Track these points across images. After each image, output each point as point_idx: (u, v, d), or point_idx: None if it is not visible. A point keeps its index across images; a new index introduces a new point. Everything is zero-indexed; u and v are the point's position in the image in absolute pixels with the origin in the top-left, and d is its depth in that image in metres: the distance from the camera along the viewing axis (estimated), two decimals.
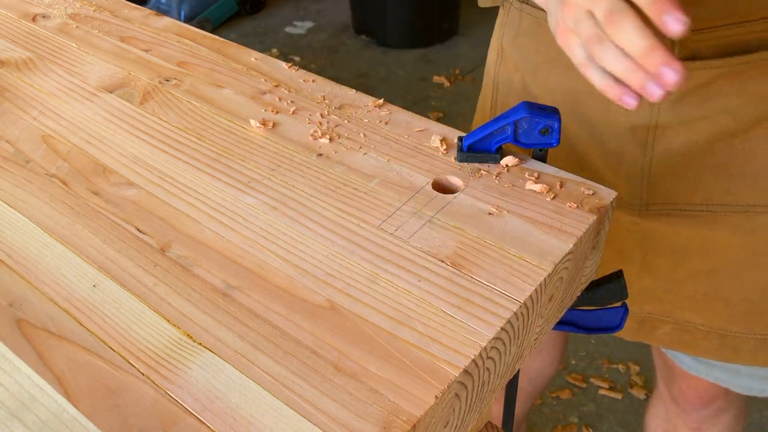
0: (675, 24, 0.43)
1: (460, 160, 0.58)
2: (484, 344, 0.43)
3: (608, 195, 0.54)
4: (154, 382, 0.42)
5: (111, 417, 0.40)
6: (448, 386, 0.41)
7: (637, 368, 1.67)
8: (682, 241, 0.75)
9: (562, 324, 0.62)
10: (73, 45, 0.75)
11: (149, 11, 0.83)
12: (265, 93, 0.67)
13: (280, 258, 0.49)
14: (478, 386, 0.45)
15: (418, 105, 2.58)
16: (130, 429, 0.39)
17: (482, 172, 0.57)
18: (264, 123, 0.62)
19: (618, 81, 0.48)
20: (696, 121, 0.67)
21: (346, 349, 0.43)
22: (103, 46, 0.75)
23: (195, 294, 0.47)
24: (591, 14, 0.47)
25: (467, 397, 0.44)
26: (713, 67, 0.64)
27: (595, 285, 0.60)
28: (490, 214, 0.53)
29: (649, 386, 1.62)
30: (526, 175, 0.56)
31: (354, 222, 0.52)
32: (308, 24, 3.17)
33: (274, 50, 2.95)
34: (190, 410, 0.40)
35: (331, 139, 0.61)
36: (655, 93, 0.46)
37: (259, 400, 0.40)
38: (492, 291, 0.46)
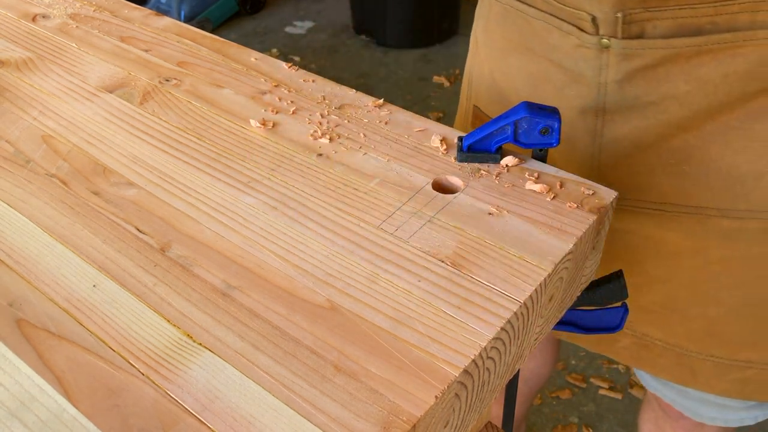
0: None
1: (460, 160, 0.58)
2: (484, 344, 0.43)
3: (608, 195, 0.54)
4: (154, 382, 0.42)
5: (111, 417, 0.40)
6: (448, 386, 0.41)
7: None
8: (636, 242, 0.72)
9: (562, 324, 0.62)
10: (73, 45, 0.75)
11: (149, 11, 0.83)
12: (265, 93, 0.67)
13: (280, 258, 0.49)
14: (478, 386, 0.45)
15: (418, 105, 2.58)
16: (130, 429, 0.39)
17: (482, 172, 0.57)
18: (264, 123, 0.62)
19: None
20: (644, 106, 0.65)
21: (346, 349, 0.43)
22: (103, 46, 0.75)
23: (195, 294, 0.47)
24: None
25: (467, 397, 0.44)
26: (659, 47, 0.61)
27: (594, 285, 0.60)
28: (490, 214, 0.53)
29: None
30: (526, 175, 0.56)
31: (354, 222, 0.52)
32: (308, 24, 3.17)
33: (274, 50, 2.96)
34: (190, 410, 0.40)
35: (331, 139, 0.61)
36: None
37: (259, 400, 0.40)
38: (492, 291, 0.46)
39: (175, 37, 0.77)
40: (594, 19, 0.62)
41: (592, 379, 1.66)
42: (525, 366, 1.05)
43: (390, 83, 2.72)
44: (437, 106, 2.59)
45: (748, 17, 0.58)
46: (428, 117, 0.65)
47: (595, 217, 0.52)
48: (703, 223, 0.67)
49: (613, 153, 0.68)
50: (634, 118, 0.66)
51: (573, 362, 1.72)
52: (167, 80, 0.69)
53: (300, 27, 3.15)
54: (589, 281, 0.60)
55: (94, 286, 0.48)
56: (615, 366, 1.69)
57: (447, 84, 2.70)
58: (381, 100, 0.66)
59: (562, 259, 0.49)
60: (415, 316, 0.45)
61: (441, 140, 0.60)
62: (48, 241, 0.51)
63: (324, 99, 0.66)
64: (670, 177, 0.66)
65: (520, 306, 0.46)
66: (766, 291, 0.69)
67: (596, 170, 0.71)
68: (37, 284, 0.48)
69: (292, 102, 0.66)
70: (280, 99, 0.66)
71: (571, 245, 0.50)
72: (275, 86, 0.68)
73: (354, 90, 0.68)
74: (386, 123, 0.63)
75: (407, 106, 0.85)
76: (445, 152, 0.59)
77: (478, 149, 0.58)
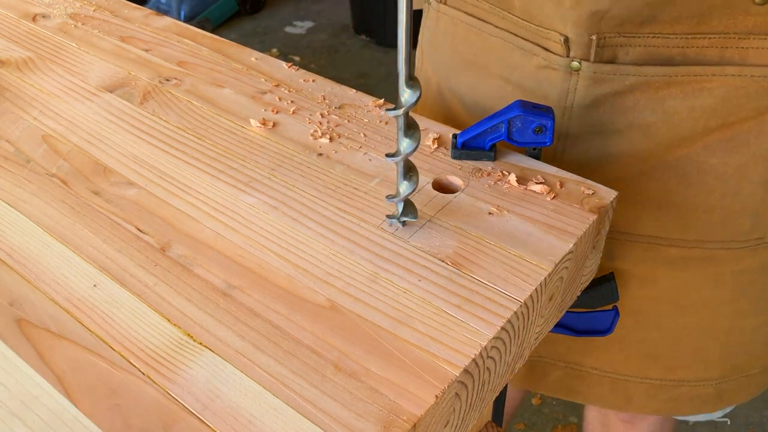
0: None
1: (454, 157, 0.58)
2: (485, 344, 0.43)
3: (608, 195, 0.55)
4: (154, 382, 0.42)
5: (112, 416, 0.40)
6: (448, 386, 0.41)
7: None
8: None
9: (555, 326, 0.62)
10: (74, 45, 0.75)
11: (149, 11, 0.83)
12: (265, 93, 0.67)
13: (281, 257, 0.49)
14: (479, 386, 0.45)
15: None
16: (130, 428, 0.39)
17: (482, 171, 0.57)
18: (264, 123, 0.63)
19: None
20: (608, 134, 0.64)
21: (347, 349, 0.43)
22: (103, 46, 0.75)
23: (195, 293, 0.47)
24: None
25: (467, 396, 0.44)
26: (630, 74, 0.60)
27: (586, 288, 0.60)
28: (490, 213, 0.53)
29: None
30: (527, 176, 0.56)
31: (354, 221, 0.52)
32: (308, 24, 3.17)
33: (274, 50, 2.96)
34: (191, 409, 0.40)
35: (331, 139, 0.61)
36: None
37: (259, 400, 0.40)
38: (492, 290, 0.46)
39: (175, 37, 0.77)
40: (566, 40, 0.61)
41: None
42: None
43: (390, 83, 2.72)
44: None
45: (717, 52, 0.58)
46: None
47: (595, 216, 0.52)
48: (653, 252, 0.68)
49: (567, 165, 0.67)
50: (597, 145, 0.65)
51: None
52: (167, 80, 0.69)
53: (300, 27, 3.15)
54: (590, 281, 0.60)
55: (94, 285, 0.48)
56: None
57: None
58: (381, 100, 0.66)
59: (563, 258, 0.49)
60: (416, 315, 0.45)
61: (434, 139, 0.60)
62: (48, 240, 0.51)
63: (324, 99, 0.66)
64: (624, 206, 0.66)
65: (521, 305, 0.46)
66: (704, 316, 0.71)
67: None
68: (37, 284, 0.48)
69: (292, 102, 0.66)
70: (280, 99, 0.66)
71: (571, 245, 0.50)
72: (275, 86, 0.68)
73: (354, 90, 0.68)
74: (386, 123, 0.63)
75: None
76: (435, 150, 0.59)
77: (472, 146, 0.58)
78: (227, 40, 0.77)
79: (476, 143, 0.57)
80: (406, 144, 0.47)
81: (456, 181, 0.56)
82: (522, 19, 0.64)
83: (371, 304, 0.46)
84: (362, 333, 0.44)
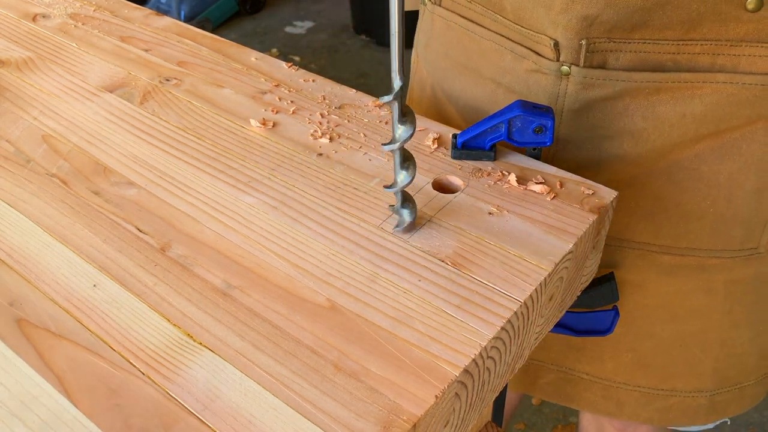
0: None
1: (454, 157, 0.58)
2: (485, 344, 0.43)
3: (608, 195, 0.54)
4: (154, 382, 0.42)
5: (111, 416, 0.40)
6: (448, 386, 0.41)
7: None
8: None
9: (555, 326, 0.62)
10: (74, 45, 0.75)
11: (149, 11, 0.83)
12: (265, 93, 0.67)
13: (281, 257, 0.49)
14: (479, 386, 0.45)
15: None
16: (130, 428, 0.39)
17: (482, 171, 0.57)
18: (264, 123, 0.63)
19: None
20: (599, 139, 0.64)
21: (347, 349, 0.43)
22: (103, 46, 0.75)
23: (195, 293, 0.47)
24: None
25: (467, 396, 0.44)
26: (620, 80, 0.60)
27: (586, 288, 0.60)
28: (490, 213, 0.53)
29: None
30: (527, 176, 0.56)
31: (354, 221, 0.52)
32: (308, 24, 3.17)
33: (274, 50, 2.96)
34: (191, 409, 0.40)
35: (331, 139, 0.61)
36: None
37: (259, 400, 0.40)
38: (492, 290, 0.46)
39: (175, 37, 0.77)
40: (556, 45, 0.60)
41: None
42: None
43: (390, 83, 2.72)
44: None
45: (709, 59, 0.58)
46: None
47: (595, 216, 0.52)
48: (645, 258, 0.68)
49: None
50: (587, 150, 0.65)
51: None
52: (167, 80, 0.69)
53: (300, 27, 3.15)
54: (590, 281, 0.60)
55: (94, 285, 0.48)
56: None
57: None
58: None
59: (563, 258, 0.49)
60: (416, 315, 0.45)
61: (434, 139, 0.60)
62: (48, 240, 0.51)
63: (324, 99, 0.66)
64: (616, 212, 0.66)
65: (521, 305, 0.46)
66: (696, 326, 0.71)
67: None
68: (37, 284, 0.48)
69: (292, 102, 0.66)
70: (280, 99, 0.66)
71: (571, 245, 0.50)
72: (275, 86, 0.68)
73: (354, 90, 0.68)
74: (386, 123, 0.63)
75: None
76: (435, 150, 0.59)
77: (472, 146, 0.58)
78: (227, 40, 0.77)
79: (476, 143, 0.57)
80: (401, 131, 0.47)
81: (456, 181, 0.56)
82: (513, 23, 0.64)
83: (371, 304, 0.46)
84: (362, 333, 0.44)
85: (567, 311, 0.59)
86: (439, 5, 0.72)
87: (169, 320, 0.45)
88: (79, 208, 0.54)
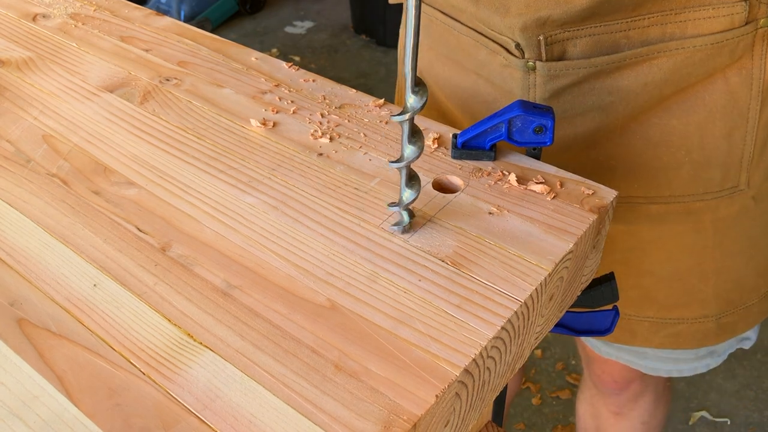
0: None
1: (454, 157, 0.58)
2: (485, 343, 0.43)
3: (608, 194, 0.55)
4: (155, 382, 0.42)
5: (112, 416, 0.40)
6: (448, 385, 0.41)
7: None
8: None
9: (555, 326, 0.62)
10: (74, 44, 0.75)
11: (149, 11, 0.83)
12: (265, 93, 0.67)
13: (281, 257, 0.49)
14: (479, 386, 0.45)
15: None
16: (131, 428, 0.39)
17: (483, 171, 0.57)
18: (264, 122, 0.63)
19: None
20: (572, 117, 0.69)
21: (347, 349, 0.43)
22: (103, 46, 0.75)
23: (195, 293, 0.47)
24: None
25: (468, 396, 0.44)
26: (581, 67, 0.64)
27: (586, 287, 0.60)
28: (490, 213, 0.53)
29: None
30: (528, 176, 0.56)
31: (354, 221, 0.52)
32: (308, 24, 3.17)
33: (274, 50, 2.96)
34: (191, 409, 0.40)
35: (331, 139, 0.61)
36: None
37: (259, 399, 0.40)
38: (492, 290, 0.46)
39: (175, 37, 0.77)
40: (518, 45, 0.65)
41: None
42: None
43: (390, 83, 2.72)
44: None
45: (659, 30, 0.63)
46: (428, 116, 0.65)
47: (595, 216, 0.52)
48: (633, 210, 0.73)
49: (544, 156, 0.71)
50: (563, 128, 0.70)
51: (573, 362, 1.72)
52: (167, 80, 0.69)
53: (300, 27, 3.15)
54: (590, 281, 0.60)
55: (94, 285, 0.48)
56: None
57: None
58: (381, 100, 0.66)
59: (563, 258, 0.49)
60: (416, 315, 0.45)
61: (434, 139, 0.60)
62: (49, 240, 0.51)
63: (324, 99, 0.66)
64: (600, 173, 0.70)
65: (521, 305, 0.46)
66: (691, 261, 0.76)
67: None
68: (37, 284, 0.48)
69: (292, 102, 0.66)
70: (280, 99, 0.66)
71: (571, 245, 0.50)
72: (275, 86, 0.68)
73: (354, 90, 0.68)
74: (386, 123, 0.63)
75: None
76: (435, 149, 0.59)
77: (472, 146, 0.58)
78: (227, 40, 0.77)
79: (476, 143, 0.57)
80: (410, 150, 0.48)
81: (456, 180, 0.56)
82: (481, 23, 0.68)
83: (371, 304, 0.46)
84: (362, 333, 0.44)
85: (567, 311, 0.59)
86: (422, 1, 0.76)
87: (169, 320, 0.45)
88: (79, 208, 0.54)
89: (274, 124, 0.63)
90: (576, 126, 0.69)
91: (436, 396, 0.40)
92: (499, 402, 0.74)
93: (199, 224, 0.53)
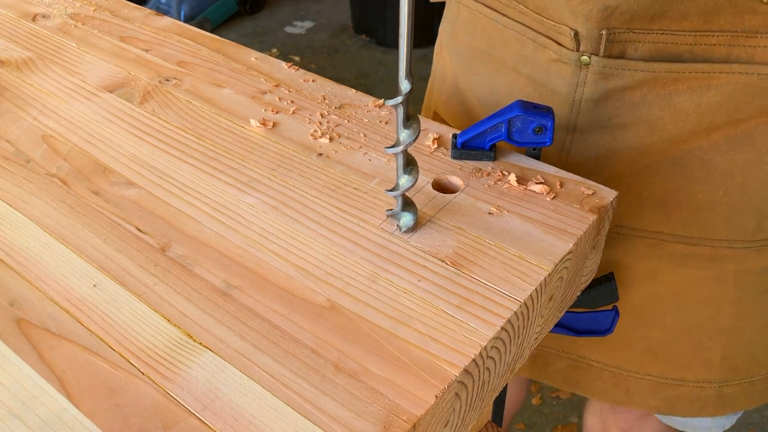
0: None
1: (454, 157, 0.58)
2: (485, 344, 0.43)
3: (608, 195, 0.54)
4: (154, 382, 0.42)
5: (111, 416, 0.40)
6: (448, 386, 0.41)
7: None
8: None
9: (555, 326, 0.62)
10: (73, 45, 0.75)
11: (149, 11, 0.83)
12: (265, 93, 0.67)
13: (281, 257, 0.49)
14: (479, 386, 0.45)
15: (418, 105, 2.58)
16: (130, 428, 0.39)
17: (482, 171, 0.57)
18: (264, 123, 0.63)
19: None
20: (615, 128, 0.65)
21: (347, 349, 0.43)
22: (103, 46, 0.75)
23: (195, 293, 0.47)
24: None
25: (467, 396, 0.44)
26: (639, 70, 0.61)
27: (586, 287, 0.60)
28: (490, 213, 0.53)
29: None
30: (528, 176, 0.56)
31: (354, 222, 0.52)
32: (308, 24, 3.17)
33: (274, 50, 2.96)
34: (191, 410, 0.40)
35: (331, 139, 0.61)
36: None
37: (259, 400, 0.40)
38: (492, 290, 0.46)
39: (175, 37, 0.77)
40: (576, 35, 0.61)
41: None
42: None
43: (390, 83, 2.72)
44: None
45: (725, 50, 0.59)
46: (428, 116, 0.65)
47: (595, 216, 0.52)
48: (657, 248, 0.68)
49: (576, 170, 0.67)
50: (604, 139, 0.65)
51: None
52: (167, 80, 0.69)
53: (300, 27, 3.15)
54: (590, 281, 0.60)
55: (94, 285, 0.48)
56: None
57: None
58: (381, 100, 0.66)
59: (563, 258, 0.49)
60: (416, 315, 0.45)
61: (434, 139, 0.60)
62: (48, 240, 0.51)
63: (324, 99, 0.66)
64: (629, 200, 0.66)
65: (521, 305, 0.46)
66: (705, 314, 0.71)
67: None
68: (37, 284, 0.48)
69: (292, 102, 0.66)
70: (280, 99, 0.66)
71: (571, 245, 0.50)
72: (275, 86, 0.68)
73: (354, 90, 0.68)
74: (386, 123, 0.63)
75: None
76: (435, 150, 0.59)
77: (472, 146, 0.58)
78: (227, 40, 0.77)
79: (476, 143, 0.57)
80: (405, 135, 0.47)
81: (456, 181, 0.56)
82: (535, 13, 0.64)
83: (371, 304, 0.46)
84: (362, 333, 0.44)
85: (567, 311, 0.59)
86: None
87: (169, 320, 0.45)
88: (79, 208, 0.54)
89: (274, 124, 0.63)
90: (617, 140, 0.65)
91: (436, 396, 0.40)
92: (499, 402, 0.74)
93: (199, 224, 0.53)
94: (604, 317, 0.67)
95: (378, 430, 0.38)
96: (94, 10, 0.83)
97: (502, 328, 0.44)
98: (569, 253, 0.50)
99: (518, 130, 0.56)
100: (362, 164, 0.58)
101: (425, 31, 2.89)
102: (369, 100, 0.66)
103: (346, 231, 0.51)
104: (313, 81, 0.69)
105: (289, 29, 3.14)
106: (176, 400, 0.41)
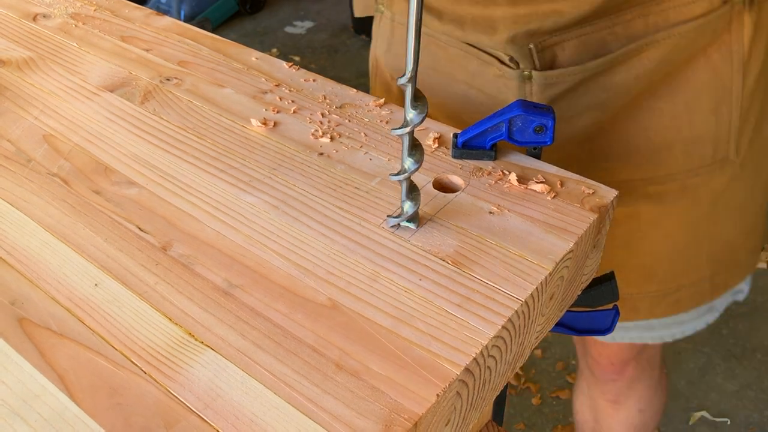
0: None
1: (455, 157, 0.58)
2: (486, 342, 0.43)
3: (609, 194, 0.55)
4: (156, 381, 0.42)
5: (113, 415, 0.40)
6: (449, 384, 0.41)
7: None
8: None
9: (555, 325, 0.62)
10: (74, 44, 0.76)
11: (150, 11, 0.83)
12: (266, 92, 0.67)
13: (282, 257, 0.50)
14: (480, 384, 0.45)
15: None
16: (132, 427, 0.39)
17: (483, 171, 0.57)
18: (265, 122, 0.63)
19: None
20: (568, 119, 0.70)
21: (348, 348, 0.43)
22: (103, 46, 0.75)
23: (196, 292, 0.47)
24: None
25: (468, 395, 0.44)
26: (576, 73, 0.66)
27: (587, 287, 0.61)
28: (490, 213, 0.53)
29: None
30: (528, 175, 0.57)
31: (355, 221, 0.52)
32: (308, 24, 3.17)
33: (274, 50, 2.96)
34: (192, 408, 0.40)
35: (332, 139, 0.61)
36: None
37: (261, 398, 0.40)
38: (493, 289, 0.47)
39: (175, 37, 0.77)
40: (512, 59, 0.66)
41: None
42: None
43: None
44: None
45: (642, 22, 0.64)
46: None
47: (595, 215, 0.52)
48: (632, 193, 0.74)
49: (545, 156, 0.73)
50: (561, 129, 0.71)
51: (573, 362, 1.72)
52: (168, 80, 0.69)
53: (300, 27, 3.15)
54: (590, 280, 0.60)
55: (95, 284, 0.48)
56: None
57: None
58: (382, 100, 0.66)
59: (563, 257, 0.49)
60: (417, 314, 0.45)
61: (435, 138, 0.60)
62: (50, 240, 0.52)
63: (325, 98, 0.66)
64: (596, 162, 0.73)
65: (522, 304, 0.46)
66: (689, 236, 0.79)
67: None
68: (38, 283, 0.48)
69: (293, 101, 0.66)
70: (281, 98, 0.66)
71: (571, 244, 0.50)
72: (276, 86, 0.68)
73: (355, 89, 0.68)
74: (387, 122, 0.63)
75: None
76: (436, 149, 0.59)
77: (472, 146, 0.58)
78: (228, 40, 0.77)
79: (477, 143, 0.58)
80: (409, 163, 0.48)
81: (456, 180, 0.56)
82: (471, 45, 0.70)
83: (372, 303, 0.46)
84: (363, 332, 0.44)
85: (567, 310, 0.59)
86: (402, 14, 0.77)
87: (170, 319, 0.45)
88: (80, 208, 0.54)
89: (275, 124, 0.63)
90: (573, 125, 0.70)
91: (437, 395, 0.40)
92: (500, 401, 0.74)
93: (200, 223, 0.53)
94: (604, 316, 0.67)
95: (379, 428, 0.38)
96: (94, 10, 0.83)
97: (503, 327, 0.44)
98: (570, 252, 0.50)
99: (519, 129, 0.56)
100: (363, 164, 0.58)
101: None
102: (370, 100, 0.66)
103: (347, 230, 0.52)
104: (314, 81, 0.69)
105: (289, 29, 3.14)
106: (178, 398, 0.41)
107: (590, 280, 0.60)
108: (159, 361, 0.43)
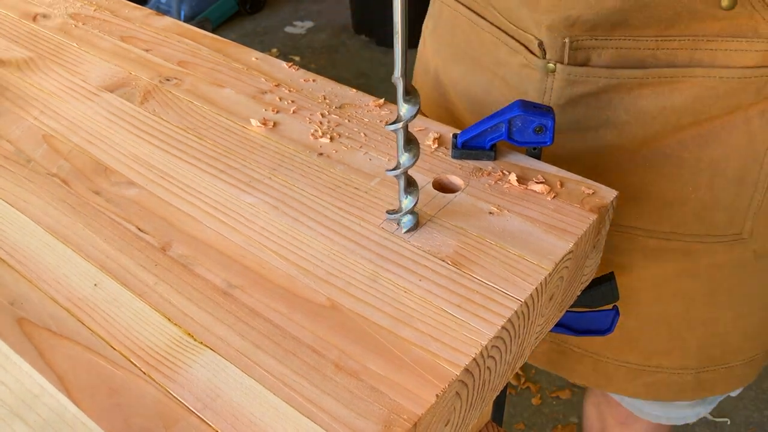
0: None
1: (454, 157, 0.58)
2: (485, 343, 0.43)
3: (609, 194, 0.55)
4: (155, 381, 0.42)
5: (112, 415, 0.40)
6: (449, 385, 0.41)
7: None
8: None
9: (555, 326, 0.62)
10: (74, 44, 0.76)
11: (149, 11, 0.83)
12: (265, 92, 0.67)
13: (281, 257, 0.50)
14: (479, 385, 0.45)
15: None
16: (131, 427, 0.39)
17: (483, 171, 0.57)
18: (264, 122, 0.63)
19: None
20: (583, 130, 0.66)
21: (347, 348, 0.43)
22: (103, 46, 0.75)
23: (196, 293, 0.47)
24: None
25: (468, 395, 0.44)
26: (603, 77, 0.62)
27: (586, 287, 0.60)
28: (490, 213, 0.53)
29: None
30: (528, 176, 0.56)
31: (355, 221, 0.52)
32: (308, 24, 3.17)
33: (274, 50, 2.96)
34: (192, 409, 0.40)
35: (331, 139, 0.61)
36: None
37: (260, 399, 0.40)
38: (493, 290, 0.46)
39: (175, 37, 0.77)
40: (541, 44, 0.63)
41: None
42: None
43: (390, 83, 2.71)
44: None
45: (687, 54, 0.60)
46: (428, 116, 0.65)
47: (595, 216, 0.52)
48: (631, 242, 0.70)
49: (550, 162, 0.70)
50: (573, 140, 0.67)
51: None
52: (168, 80, 0.69)
53: (300, 27, 3.15)
54: (590, 280, 0.60)
55: (95, 285, 0.48)
56: None
57: None
58: (382, 100, 0.66)
59: (563, 258, 0.49)
60: (416, 315, 0.45)
61: (434, 138, 0.60)
62: (49, 240, 0.51)
63: (324, 98, 0.66)
64: None
65: (521, 305, 0.46)
66: (680, 307, 0.73)
67: None
68: (38, 283, 0.48)
69: (292, 101, 0.66)
70: (280, 98, 0.66)
71: (571, 244, 0.50)
72: (276, 86, 0.68)
73: (354, 89, 0.68)
74: (387, 122, 0.63)
75: None
76: (436, 149, 0.59)
77: (472, 146, 0.58)
78: (227, 40, 0.77)
79: (476, 143, 0.57)
80: (405, 158, 0.48)
81: (456, 180, 0.56)
82: (506, 19, 0.66)
83: (372, 304, 0.46)
84: (363, 332, 0.44)
85: (567, 311, 0.59)
86: None
87: (169, 319, 0.45)
88: (79, 208, 0.54)
89: (275, 124, 0.63)
90: (586, 140, 0.66)
91: (437, 395, 0.40)
92: (500, 402, 0.74)
93: (200, 224, 0.53)
94: (604, 317, 0.67)
95: (379, 428, 0.38)
96: (94, 10, 0.83)
97: (503, 328, 0.44)
98: (570, 252, 0.50)
99: (518, 129, 0.56)
100: (363, 164, 0.58)
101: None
102: (369, 100, 0.66)
103: (346, 230, 0.52)
104: (314, 81, 0.69)
105: (289, 29, 3.14)
106: (177, 399, 0.41)
107: (590, 281, 0.60)
108: (158, 361, 0.43)
